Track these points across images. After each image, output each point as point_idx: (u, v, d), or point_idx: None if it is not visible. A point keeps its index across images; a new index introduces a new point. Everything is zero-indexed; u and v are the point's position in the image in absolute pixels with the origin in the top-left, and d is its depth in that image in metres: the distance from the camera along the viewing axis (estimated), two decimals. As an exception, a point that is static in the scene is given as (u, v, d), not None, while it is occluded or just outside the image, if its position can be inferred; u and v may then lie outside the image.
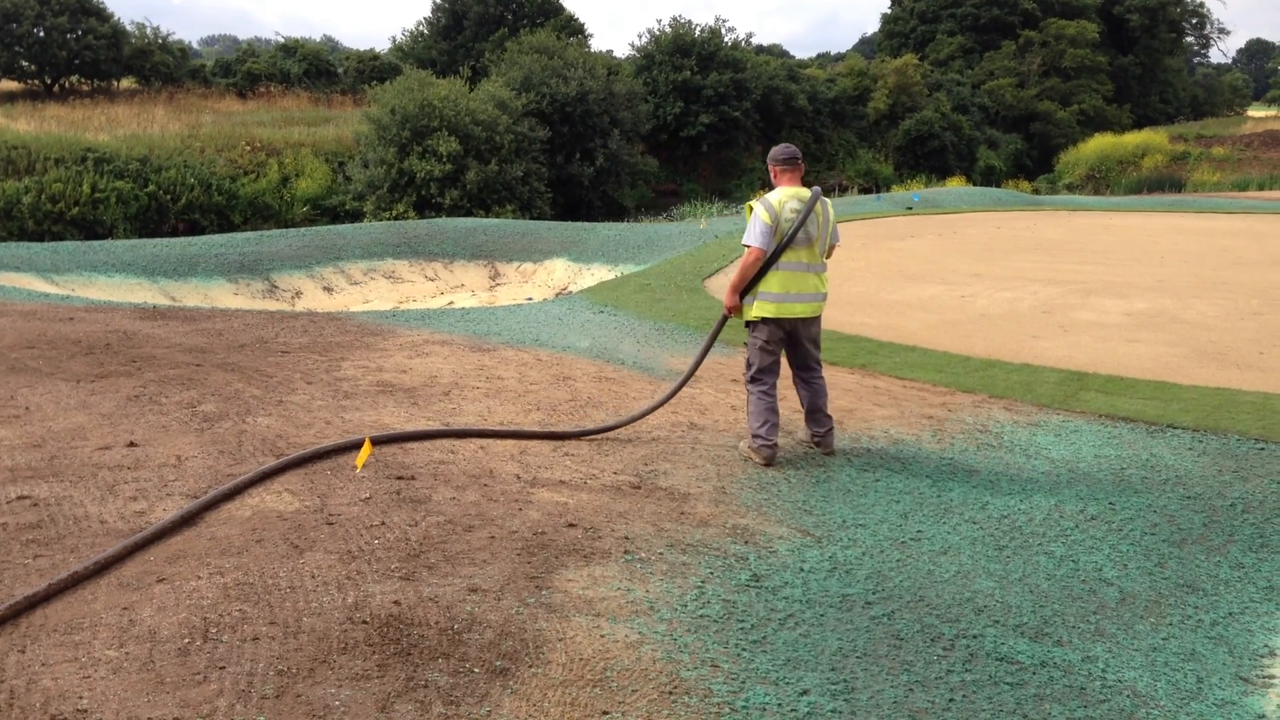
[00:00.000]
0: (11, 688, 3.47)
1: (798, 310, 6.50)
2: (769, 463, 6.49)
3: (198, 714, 3.35)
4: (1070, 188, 52.44)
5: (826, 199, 6.60)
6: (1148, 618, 4.61)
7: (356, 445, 6.19)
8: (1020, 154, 66.08)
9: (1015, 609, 4.59)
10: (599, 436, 6.98)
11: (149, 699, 3.43)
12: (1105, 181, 52.04)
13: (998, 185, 53.16)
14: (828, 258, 6.71)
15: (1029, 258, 18.70)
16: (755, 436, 6.60)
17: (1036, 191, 50.35)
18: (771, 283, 6.45)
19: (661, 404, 7.18)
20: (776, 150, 6.70)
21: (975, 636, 4.28)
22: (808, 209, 6.35)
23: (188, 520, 4.98)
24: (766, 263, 6.40)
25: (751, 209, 6.49)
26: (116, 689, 3.48)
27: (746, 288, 6.52)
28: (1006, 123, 68.28)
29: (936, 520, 5.69)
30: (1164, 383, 9.00)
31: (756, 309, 6.54)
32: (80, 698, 3.42)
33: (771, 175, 6.68)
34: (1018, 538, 5.48)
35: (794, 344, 6.72)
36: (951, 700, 3.76)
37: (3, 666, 3.60)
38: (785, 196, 6.43)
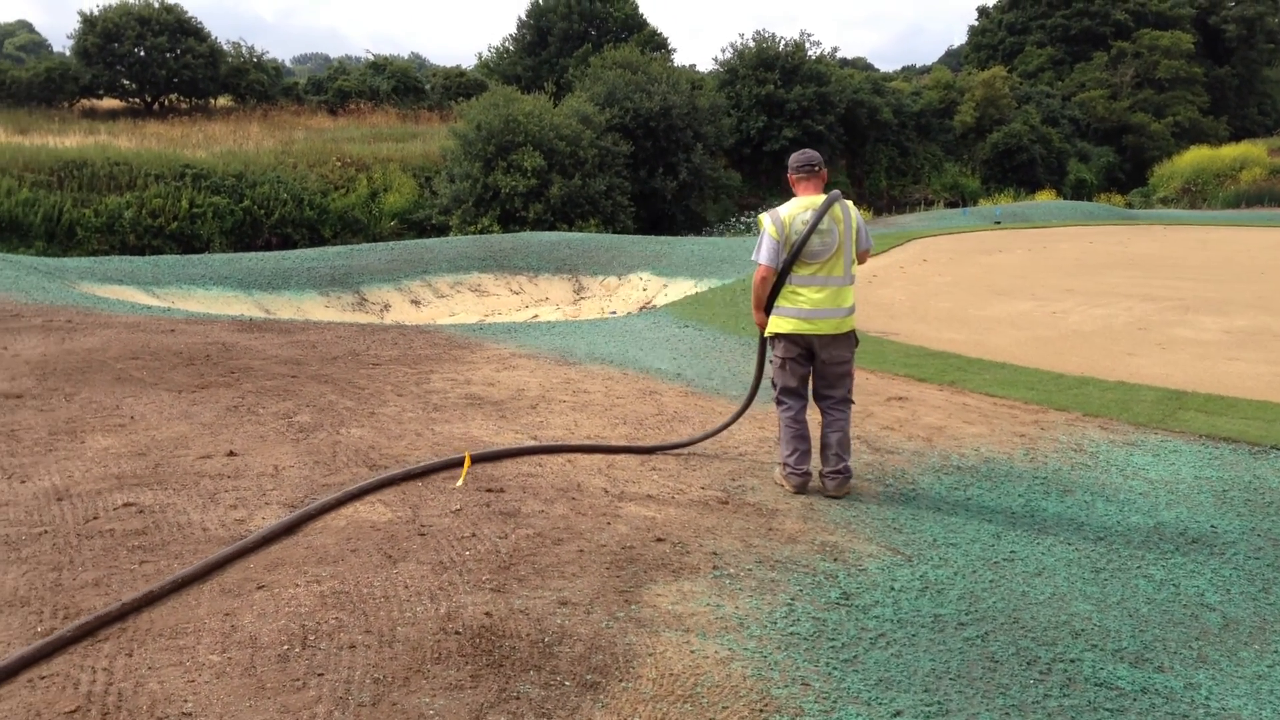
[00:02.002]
0: (120, 690, 3.58)
1: (816, 327, 6.09)
2: (800, 491, 6.22)
3: (297, 720, 3.42)
4: (1165, 202, 51.29)
5: (848, 202, 6.19)
6: (1252, 644, 4.47)
7: (460, 463, 6.25)
8: (1112, 167, 64.81)
9: (1114, 633, 4.49)
10: (663, 453, 6.95)
11: (251, 704, 3.51)
12: (1202, 195, 50.80)
13: (1089, 199, 52.22)
14: (860, 264, 6.35)
15: (1123, 273, 18.31)
16: (784, 464, 6.30)
17: (1129, 205, 49.37)
18: (786, 298, 6.11)
19: (728, 425, 7.08)
20: (794, 157, 6.30)
21: (1073, 661, 4.19)
22: (817, 217, 5.94)
23: (291, 528, 5.09)
24: (779, 279, 6.09)
25: (762, 223, 6.16)
26: (220, 694, 3.56)
27: (767, 304, 6.22)
28: (1098, 135, 67.04)
29: (1030, 541, 5.59)
30: (1266, 402, 8.73)
31: (772, 324, 6.22)
32: (185, 701, 3.51)
33: (791, 184, 6.29)
34: (1115, 560, 5.36)
35: (813, 364, 6.27)
36: (1049, 725, 3.68)
37: (111, 669, 3.71)
38: (797, 208, 6.06)
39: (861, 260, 6.34)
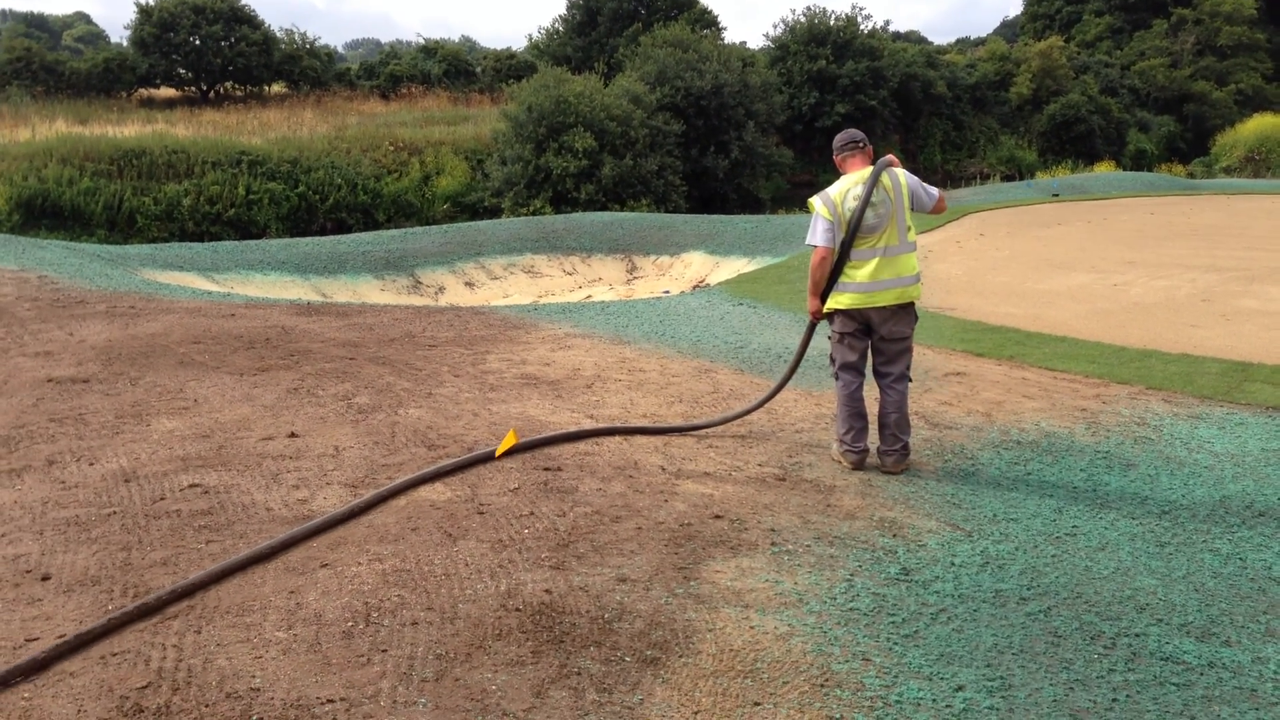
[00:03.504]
0: (189, 666, 3.65)
1: (875, 300, 6.01)
2: (858, 467, 6.19)
3: (363, 695, 3.47)
4: (1228, 171, 50.11)
5: (897, 169, 6.09)
6: (1324, 619, 4.39)
7: (525, 448, 6.26)
8: (1173, 137, 63.41)
9: (1179, 607, 4.42)
10: (681, 434, 6.86)
11: (317, 679, 3.56)
12: (1266, 164, 49.54)
13: (1149, 170, 51.18)
14: (938, 212, 6.27)
15: (1185, 244, 17.96)
16: (841, 441, 6.26)
17: (1191, 175, 48.32)
18: (848, 274, 6.05)
19: (756, 408, 6.99)
20: (837, 137, 6.28)
21: (1138, 635, 4.14)
22: (867, 190, 5.89)
23: (360, 511, 5.15)
24: (839, 259, 6.02)
25: (813, 207, 6.13)
26: (286, 669, 3.63)
27: (825, 288, 6.15)
28: (1158, 104, 65.63)
29: (1092, 515, 5.52)
30: (1336, 374, 8.53)
31: (831, 300, 6.14)
32: (253, 677, 3.58)
33: (838, 166, 6.27)
34: (1180, 534, 5.28)
35: (870, 340, 6.24)
36: (1115, 700, 3.64)
37: (180, 646, 3.79)
38: (847, 185, 6.02)
39: (939, 210, 6.25)
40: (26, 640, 3.81)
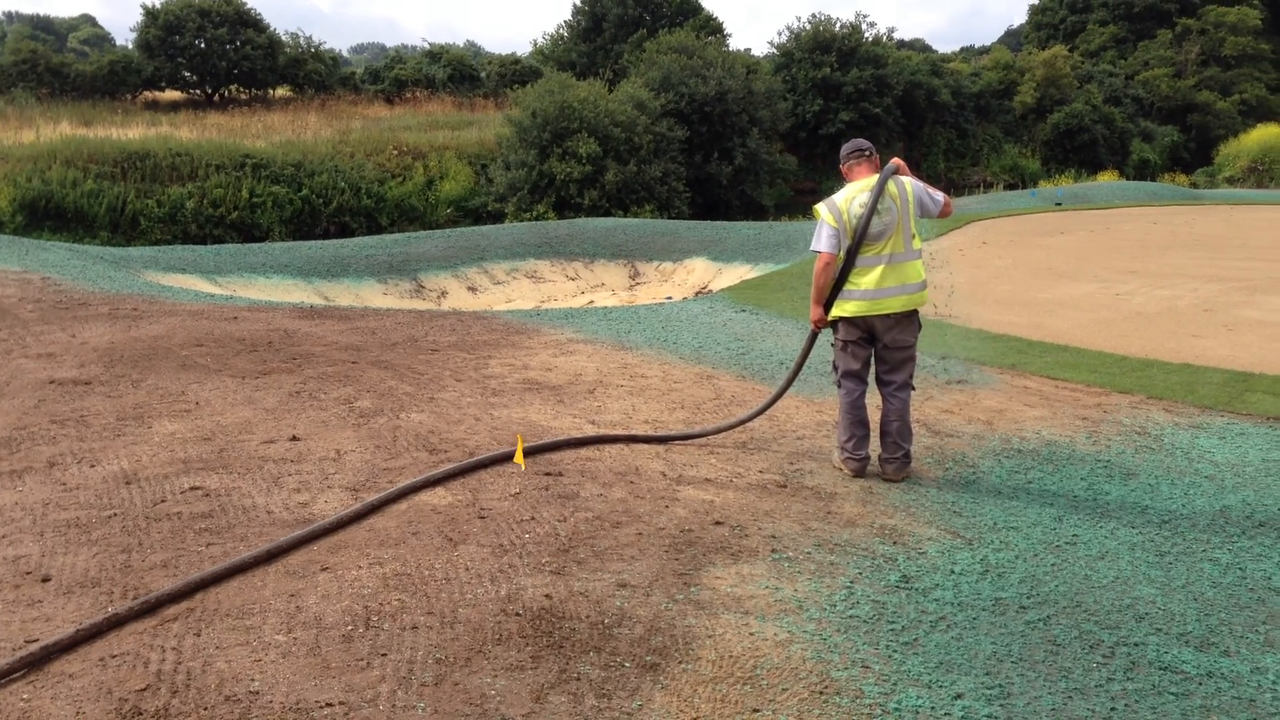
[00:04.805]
0: (189, 669, 3.66)
1: (880, 307, 5.99)
2: (859, 475, 6.17)
3: (362, 699, 3.47)
4: (1231, 181, 50.12)
5: (904, 177, 6.07)
6: (1324, 630, 4.38)
7: (529, 453, 6.25)
8: (1177, 147, 63.48)
9: (1179, 617, 4.42)
10: (680, 442, 6.82)
11: (316, 683, 3.57)
12: (1269, 174, 49.57)
13: (1152, 179, 51.22)
14: (944, 215, 6.24)
15: (1188, 254, 17.96)
16: (842, 449, 6.24)
17: (1194, 185, 48.38)
18: (853, 281, 6.01)
19: (756, 415, 6.92)
20: (845, 147, 6.30)
21: (1136, 644, 4.14)
22: (874, 198, 5.86)
23: (362, 515, 5.15)
24: (844, 266, 5.99)
25: (819, 213, 6.10)
26: (286, 673, 3.63)
27: (830, 296, 6.11)
28: (1162, 114, 65.69)
29: (1092, 524, 5.52)
30: (1338, 384, 8.52)
31: (835, 308, 6.11)
32: (252, 680, 3.58)
33: (844, 175, 6.25)
34: (1180, 543, 5.27)
35: (874, 347, 6.21)
36: (1113, 709, 3.64)
37: (180, 649, 3.79)
38: (853, 192, 6.00)
39: (945, 215, 6.23)
40: (26, 641, 3.82)
